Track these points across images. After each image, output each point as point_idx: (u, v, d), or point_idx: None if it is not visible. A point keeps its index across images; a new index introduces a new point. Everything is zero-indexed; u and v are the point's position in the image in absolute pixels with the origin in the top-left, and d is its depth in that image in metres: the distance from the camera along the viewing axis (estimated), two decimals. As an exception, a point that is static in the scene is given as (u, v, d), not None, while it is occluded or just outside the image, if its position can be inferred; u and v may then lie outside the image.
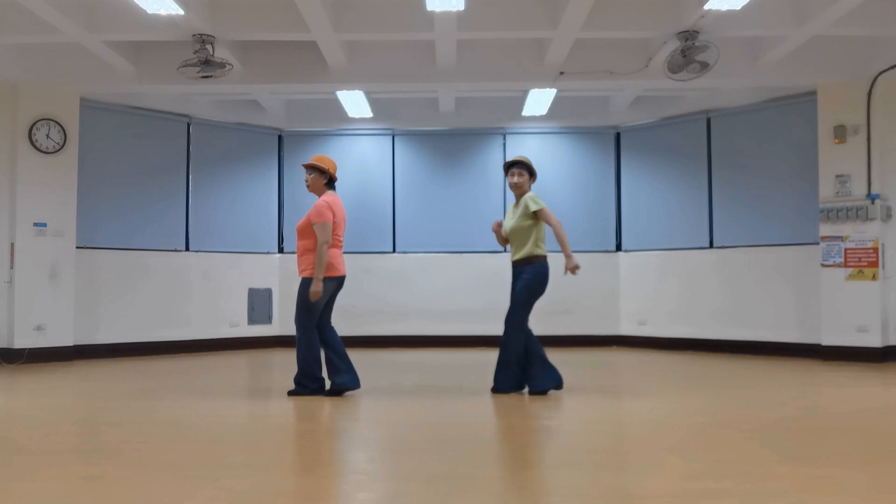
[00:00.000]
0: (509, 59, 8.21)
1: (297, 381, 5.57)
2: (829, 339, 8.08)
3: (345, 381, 5.47)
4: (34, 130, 8.11)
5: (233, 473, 3.38)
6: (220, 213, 9.87)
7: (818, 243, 8.23)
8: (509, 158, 5.75)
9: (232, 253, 9.87)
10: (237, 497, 2.97)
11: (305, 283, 5.40)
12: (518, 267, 5.58)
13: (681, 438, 4.13)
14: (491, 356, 8.91)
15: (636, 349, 9.68)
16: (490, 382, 5.70)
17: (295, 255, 5.67)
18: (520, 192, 5.66)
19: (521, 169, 5.64)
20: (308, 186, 5.64)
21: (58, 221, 8.22)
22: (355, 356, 5.41)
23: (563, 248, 5.41)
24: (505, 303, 5.62)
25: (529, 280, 5.48)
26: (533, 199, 5.55)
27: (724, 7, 6.52)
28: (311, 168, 5.63)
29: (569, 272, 5.35)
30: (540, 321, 6.11)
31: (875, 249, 7.84)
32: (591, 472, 3.47)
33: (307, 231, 5.42)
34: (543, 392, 5.43)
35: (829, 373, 7.11)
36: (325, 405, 5.21)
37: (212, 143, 9.83)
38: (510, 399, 5.36)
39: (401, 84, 8.60)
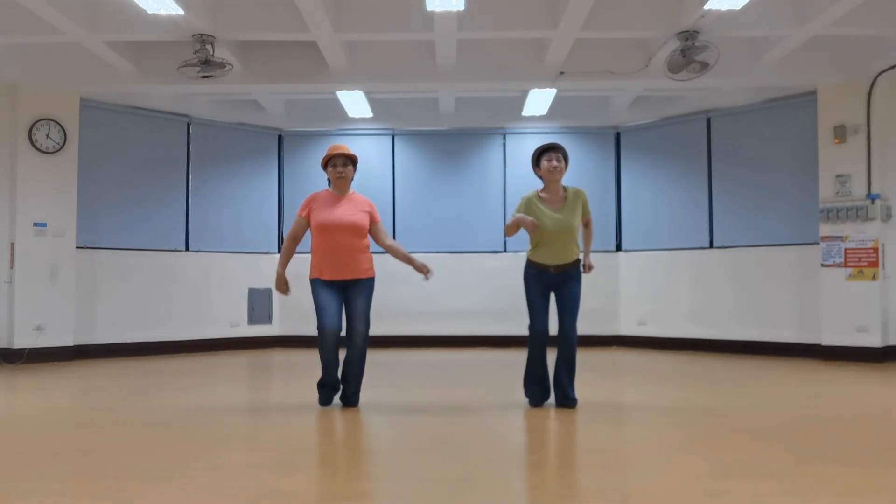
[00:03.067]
0: (509, 59, 8.21)
1: (358, 391, 5.12)
2: (829, 339, 8.08)
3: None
4: (34, 130, 8.11)
5: (231, 474, 3.38)
6: (220, 213, 9.87)
7: (818, 243, 8.23)
8: (542, 144, 5.07)
9: (232, 253, 9.87)
10: (236, 497, 2.97)
11: (372, 284, 5.08)
12: (569, 269, 4.97)
13: (681, 438, 4.13)
14: (490, 356, 8.96)
15: (636, 349, 9.68)
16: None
17: (303, 256, 5.13)
18: (556, 178, 4.97)
19: (558, 153, 4.98)
20: (343, 179, 5.05)
21: (58, 221, 8.23)
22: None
23: (588, 249, 5.22)
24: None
25: (579, 283, 5.03)
26: (587, 201, 5.08)
27: (724, 7, 6.52)
28: (350, 161, 5.10)
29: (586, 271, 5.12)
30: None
31: (875, 249, 7.84)
32: (591, 472, 3.47)
33: (365, 230, 5.06)
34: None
35: (830, 373, 7.11)
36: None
37: (212, 143, 9.84)
38: (509, 399, 5.36)
39: (401, 84, 8.60)
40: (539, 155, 5.04)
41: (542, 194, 5.02)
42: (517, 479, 3.40)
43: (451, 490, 3.08)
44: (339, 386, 5.10)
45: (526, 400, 5.11)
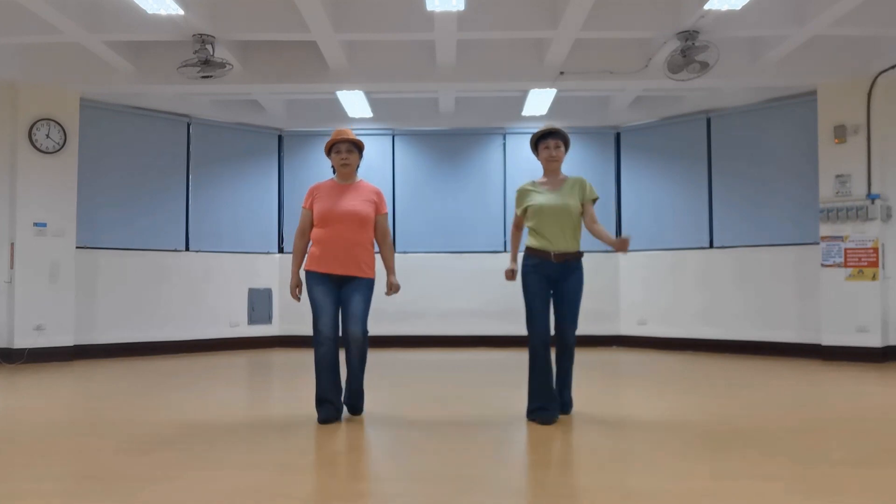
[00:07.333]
0: (509, 59, 8.21)
1: (358, 401, 4.81)
2: (829, 339, 8.08)
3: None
4: (34, 130, 8.11)
5: (231, 473, 3.38)
6: (220, 212, 9.88)
7: (818, 243, 8.23)
8: (542, 128, 4.73)
9: (232, 253, 9.88)
10: (236, 497, 2.97)
11: (371, 285, 4.71)
12: (571, 260, 4.61)
13: (681, 438, 4.13)
14: (490, 356, 8.97)
15: (636, 349, 9.68)
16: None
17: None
18: (556, 166, 4.71)
19: (558, 140, 4.69)
20: (348, 167, 4.71)
21: (58, 221, 8.23)
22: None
23: (607, 236, 4.67)
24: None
25: (581, 279, 4.67)
26: (591, 187, 4.73)
27: (724, 7, 6.53)
28: (356, 147, 4.76)
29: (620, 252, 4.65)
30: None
31: (875, 249, 7.84)
32: (591, 472, 3.47)
33: (369, 221, 4.68)
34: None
35: (830, 373, 7.11)
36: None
37: (212, 142, 9.85)
38: (509, 399, 5.35)
39: (401, 84, 8.60)
40: (537, 141, 4.76)
41: (539, 181, 4.77)
42: (517, 478, 3.40)
43: (451, 490, 3.08)
44: (339, 402, 4.69)
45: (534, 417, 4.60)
